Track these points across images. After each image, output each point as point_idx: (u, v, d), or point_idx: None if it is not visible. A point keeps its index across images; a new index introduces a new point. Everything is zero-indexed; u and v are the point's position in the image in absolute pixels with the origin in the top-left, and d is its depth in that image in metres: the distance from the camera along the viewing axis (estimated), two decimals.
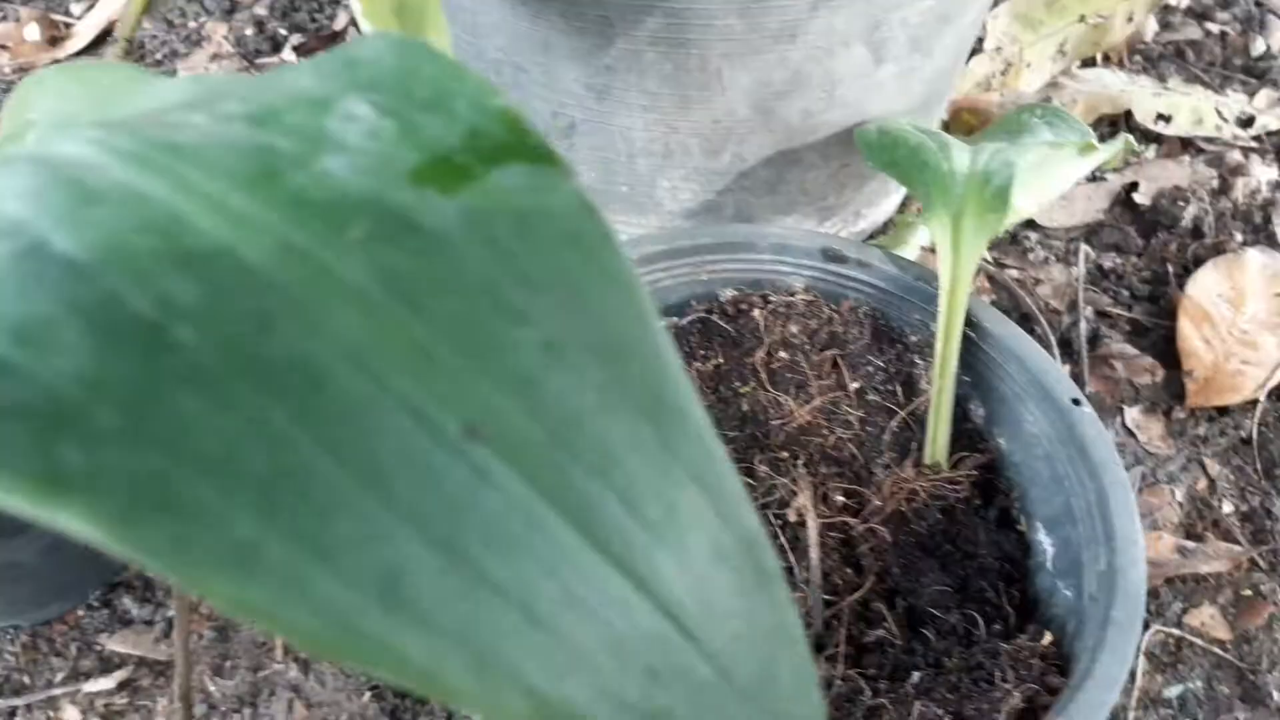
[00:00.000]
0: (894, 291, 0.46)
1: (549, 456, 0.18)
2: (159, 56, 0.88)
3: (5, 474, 0.13)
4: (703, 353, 0.47)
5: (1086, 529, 0.39)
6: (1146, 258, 0.72)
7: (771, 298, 0.47)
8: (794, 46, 0.51)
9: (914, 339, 0.46)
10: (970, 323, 0.44)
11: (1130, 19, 0.80)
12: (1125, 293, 0.70)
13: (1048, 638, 0.37)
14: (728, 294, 0.48)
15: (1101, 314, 0.69)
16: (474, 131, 0.20)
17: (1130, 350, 0.67)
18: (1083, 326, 0.67)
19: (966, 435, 0.45)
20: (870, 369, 0.46)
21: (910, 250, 0.56)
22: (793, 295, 0.47)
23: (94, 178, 0.18)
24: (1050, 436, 0.42)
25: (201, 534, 0.14)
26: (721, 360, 0.47)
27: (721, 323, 0.47)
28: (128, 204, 0.18)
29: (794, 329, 0.47)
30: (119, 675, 0.53)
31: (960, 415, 0.45)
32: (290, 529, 0.15)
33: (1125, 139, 0.43)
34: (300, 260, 0.18)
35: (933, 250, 0.57)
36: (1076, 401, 0.41)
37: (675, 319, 0.48)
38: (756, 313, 0.47)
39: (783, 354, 0.46)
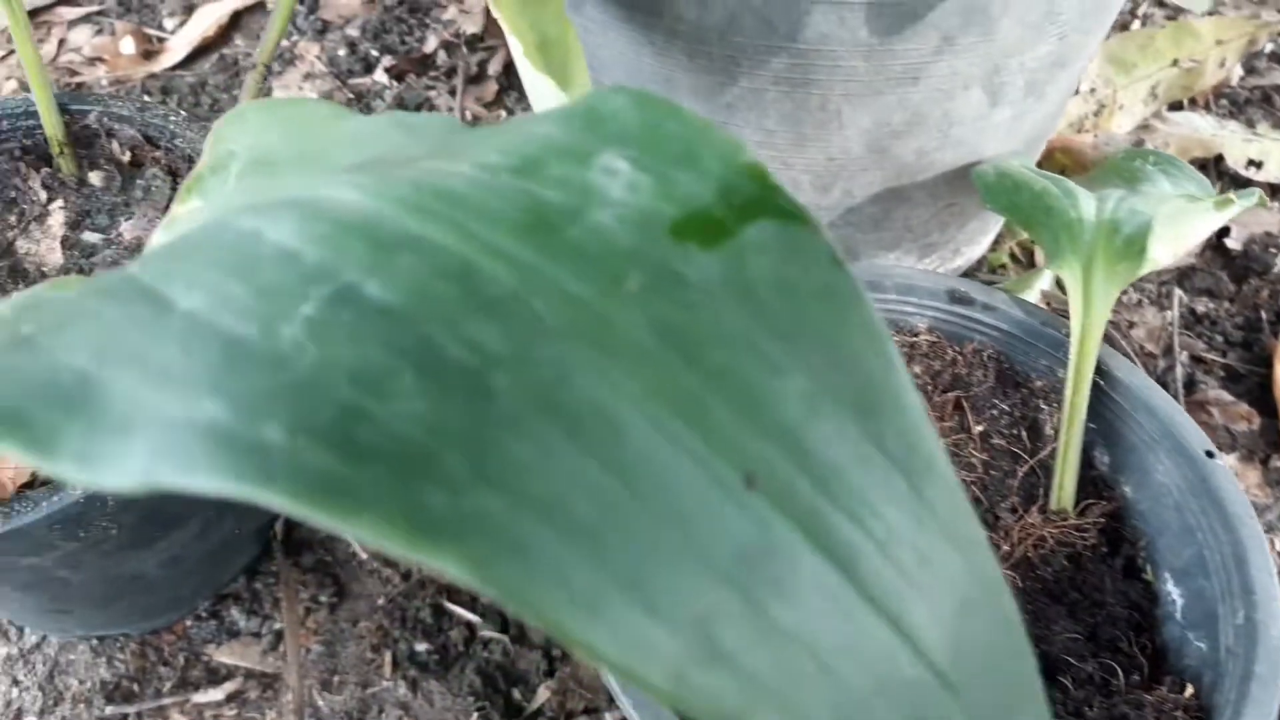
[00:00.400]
0: (1020, 335, 0.47)
1: (815, 506, 0.19)
2: None
3: (379, 518, 0.14)
4: None
5: (1221, 582, 0.39)
6: (1239, 304, 0.72)
7: (895, 338, 0.48)
8: (915, 88, 0.52)
9: (1039, 384, 0.47)
10: (1099, 370, 0.44)
11: (1223, 64, 0.80)
12: (1219, 338, 0.70)
13: (1189, 690, 0.37)
14: None
15: (1196, 359, 0.69)
16: (726, 187, 0.21)
17: (1226, 396, 0.66)
18: (1178, 371, 0.67)
19: (1091, 482, 0.45)
20: (994, 412, 0.46)
21: (1032, 294, 0.56)
22: (916, 335, 0.48)
23: (386, 226, 0.19)
24: (1181, 487, 0.42)
25: (551, 580, 0.15)
26: None
27: None
28: (424, 252, 0.19)
29: (917, 369, 0.47)
30: (227, 687, 0.54)
31: (1085, 462, 0.45)
32: (621, 577, 0.15)
33: (1259, 194, 0.43)
34: (584, 311, 0.19)
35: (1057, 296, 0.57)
36: (1210, 454, 0.41)
37: None
38: None
39: None
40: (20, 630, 0.56)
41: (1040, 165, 0.74)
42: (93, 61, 0.92)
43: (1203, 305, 0.72)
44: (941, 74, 0.51)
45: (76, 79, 0.90)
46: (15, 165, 0.53)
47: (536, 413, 0.17)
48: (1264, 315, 0.71)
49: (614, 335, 0.19)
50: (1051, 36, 0.52)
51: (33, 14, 0.98)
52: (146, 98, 0.86)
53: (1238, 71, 0.89)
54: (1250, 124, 0.83)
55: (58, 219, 0.51)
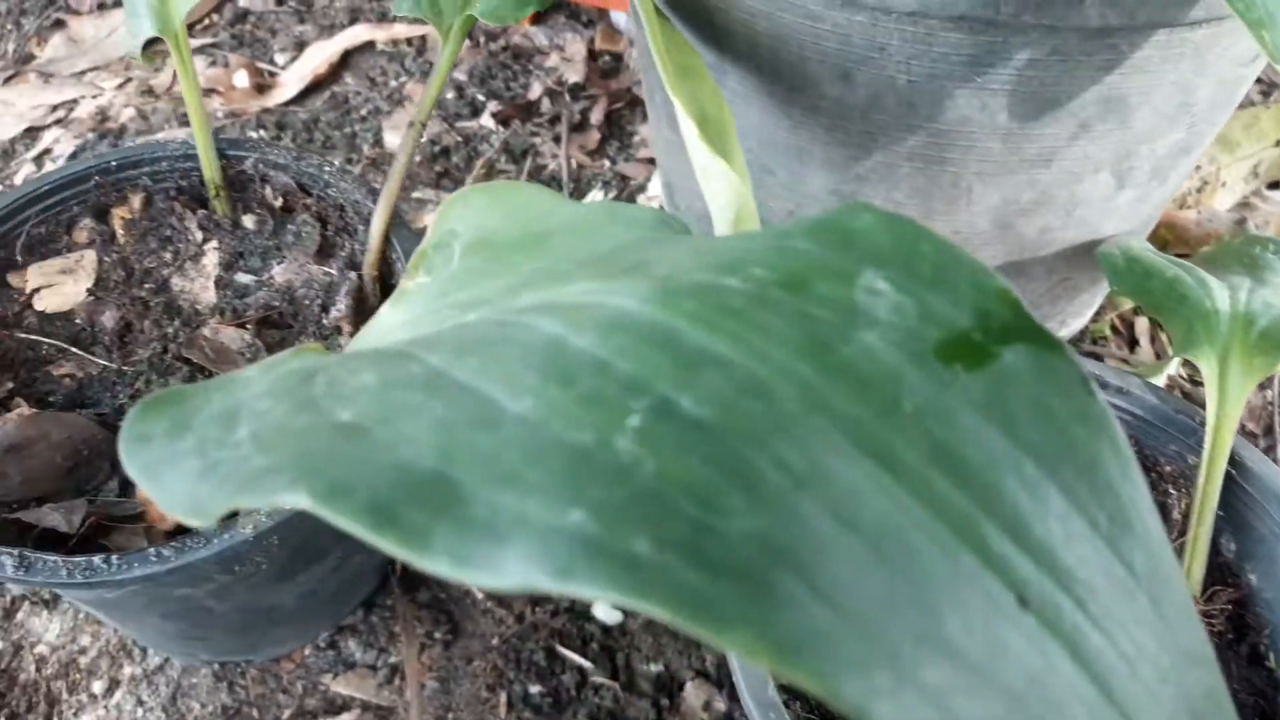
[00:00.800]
0: (1151, 421, 0.48)
1: (1076, 624, 0.20)
2: (363, 113, 0.92)
3: (748, 637, 0.15)
4: None
5: None
6: None
7: None
8: (1047, 170, 0.53)
9: (1168, 469, 0.47)
10: (1231, 459, 0.45)
11: None
12: None
13: None
14: None
15: None
16: (981, 311, 0.22)
17: None
18: None
19: (1218, 568, 0.46)
20: None
21: (1161, 379, 0.57)
22: None
23: (683, 340, 0.21)
24: None
25: (882, 698, 0.16)
26: None
27: None
28: (722, 368, 0.20)
29: None
30: (345, 718, 0.56)
31: (1212, 548, 0.46)
32: (928, 696, 0.17)
33: None
34: (865, 431, 0.20)
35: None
36: None
37: None
38: None
39: None
40: (144, 651, 0.58)
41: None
42: (208, 93, 0.95)
43: None
44: (1074, 158, 0.52)
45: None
46: (171, 204, 0.55)
47: (845, 533, 0.18)
48: None
49: (895, 456, 0.20)
50: (1182, 126, 0.53)
51: (147, 45, 1.02)
52: (262, 132, 0.89)
53: None
54: None
55: (212, 259, 0.54)
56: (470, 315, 0.27)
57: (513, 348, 0.22)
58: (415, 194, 0.83)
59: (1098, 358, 0.73)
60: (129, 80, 0.97)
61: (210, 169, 0.54)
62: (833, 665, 0.16)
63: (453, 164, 0.87)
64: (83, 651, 0.58)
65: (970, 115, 0.50)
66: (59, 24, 1.05)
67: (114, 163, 0.54)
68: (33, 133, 0.91)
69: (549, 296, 0.24)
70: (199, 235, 0.54)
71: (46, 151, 0.88)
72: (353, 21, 1.03)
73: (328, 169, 0.55)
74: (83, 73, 0.98)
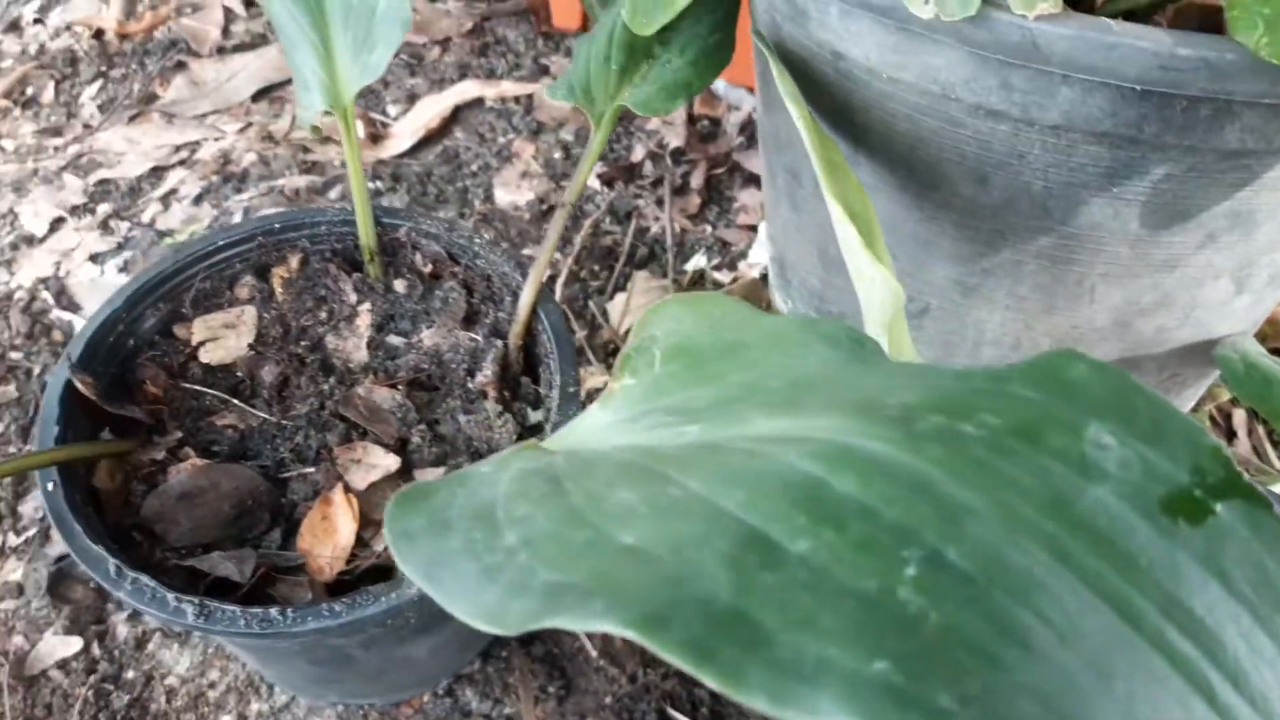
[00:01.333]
0: None
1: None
2: (474, 168, 0.96)
3: None
4: None
5: None
6: None
7: None
8: (1170, 275, 0.55)
9: None
10: None
11: None
12: None
13: None
14: None
15: None
16: (1198, 467, 0.24)
17: None
18: None
19: None
20: None
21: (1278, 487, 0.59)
22: None
23: (939, 490, 0.23)
24: None
25: None
26: None
27: None
28: (979, 520, 0.22)
29: None
30: None
31: None
32: None
33: None
34: (1107, 585, 0.22)
35: None
36: None
37: None
38: None
39: None
40: (271, 688, 0.61)
41: None
42: (325, 140, 0.99)
43: None
44: (1198, 265, 0.54)
45: (310, 156, 0.97)
46: (327, 266, 0.59)
47: (1104, 686, 0.20)
48: None
49: (1135, 609, 0.22)
50: None
51: (267, 90, 1.07)
52: (378, 183, 0.93)
53: None
54: None
55: (365, 320, 0.57)
56: (690, 427, 0.30)
57: (773, 482, 0.24)
58: (525, 250, 0.86)
59: None
60: (249, 125, 1.01)
61: (367, 235, 0.57)
62: None
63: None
64: (212, 686, 0.61)
65: (1102, 221, 0.52)
66: (181, 66, 1.09)
67: (277, 225, 0.58)
68: (158, 172, 0.95)
69: (787, 426, 0.26)
70: (353, 297, 0.57)
71: (172, 192, 0.93)
72: (462, 76, 1.07)
73: (477, 240, 0.58)
74: (204, 115, 1.03)
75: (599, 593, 0.21)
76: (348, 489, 0.50)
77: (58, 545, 0.66)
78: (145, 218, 0.90)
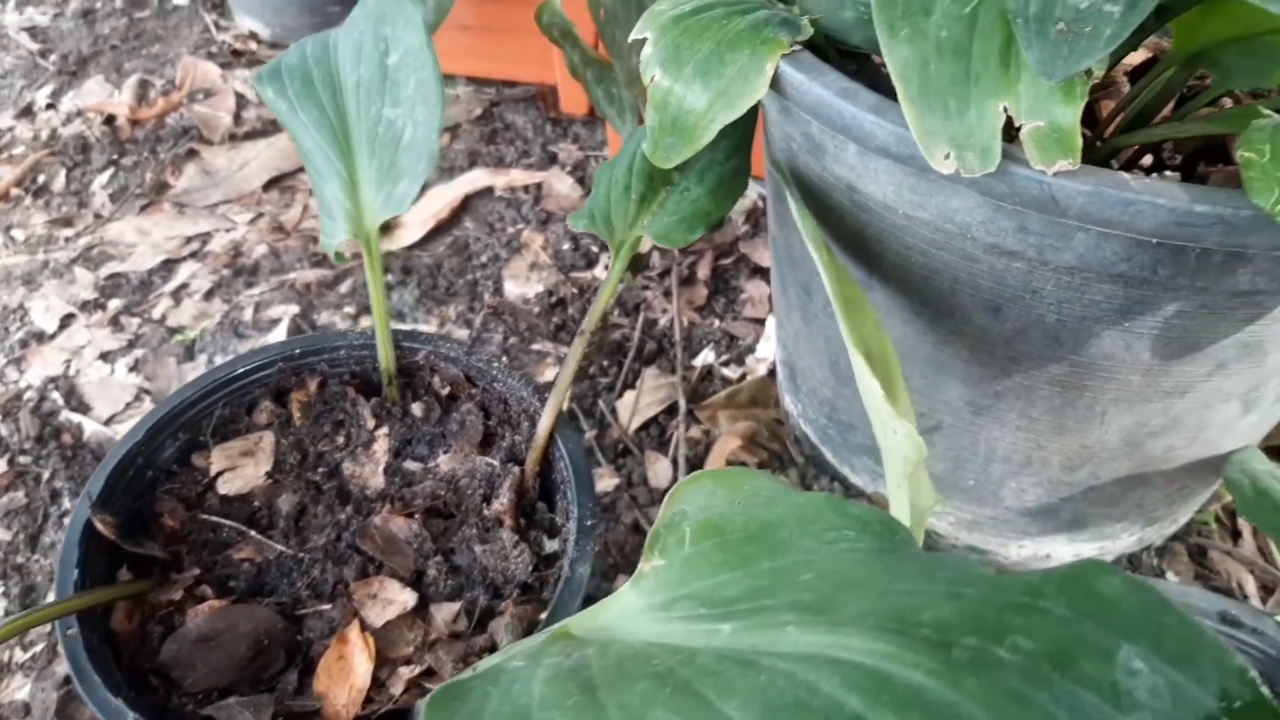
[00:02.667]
0: None
1: None
2: (483, 259, 0.97)
3: None
4: None
5: None
6: None
7: None
8: (1180, 400, 0.55)
9: None
10: None
11: None
12: None
13: None
14: None
15: None
16: (1225, 692, 0.25)
17: None
18: None
19: None
20: None
21: None
22: None
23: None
24: None
25: None
26: None
27: None
28: None
29: None
30: None
31: None
32: None
33: None
34: None
35: None
36: None
37: None
38: None
39: None
40: None
41: None
42: None
43: None
44: (1207, 390, 0.54)
45: (320, 249, 0.98)
46: (345, 389, 0.59)
47: None
48: None
49: None
50: None
51: (278, 179, 1.08)
52: (390, 276, 0.94)
53: None
54: None
55: (382, 445, 0.57)
56: (723, 626, 0.30)
57: (814, 717, 0.24)
58: (535, 346, 0.87)
59: (1203, 549, 0.74)
60: (260, 215, 1.02)
61: (387, 360, 0.57)
62: None
63: (569, 315, 0.90)
64: None
65: (1113, 352, 0.52)
66: (192, 153, 1.11)
67: (298, 350, 0.58)
68: (170, 265, 0.96)
69: (822, 644, 0.26)
70: (371, 421, 0.57)
71: (184, 286, 0.93)
72: (471, 164, 1.08)
73: (495, 365, 0.58)
74: (215, 205, 1.04)
75: None
76: (364, 626, 0.50)
77: (65, 663, 0.66)
78: (156, 314, 0.91)
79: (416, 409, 0.58)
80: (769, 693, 0.25)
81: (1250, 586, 0.71)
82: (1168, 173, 0.58)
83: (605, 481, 0.75)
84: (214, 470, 0.55)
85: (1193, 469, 0.62)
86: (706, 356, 0.87)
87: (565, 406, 0.80)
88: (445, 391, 0.59)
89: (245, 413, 0.58)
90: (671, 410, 0.81)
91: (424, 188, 1.06)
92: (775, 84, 0.51)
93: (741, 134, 0.61)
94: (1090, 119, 0.60)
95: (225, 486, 0.55)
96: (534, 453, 0.55)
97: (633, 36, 0.54)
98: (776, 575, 0.31)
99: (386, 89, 0.57)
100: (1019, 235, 0.48)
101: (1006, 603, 0.27)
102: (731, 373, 0.86)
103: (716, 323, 0.91)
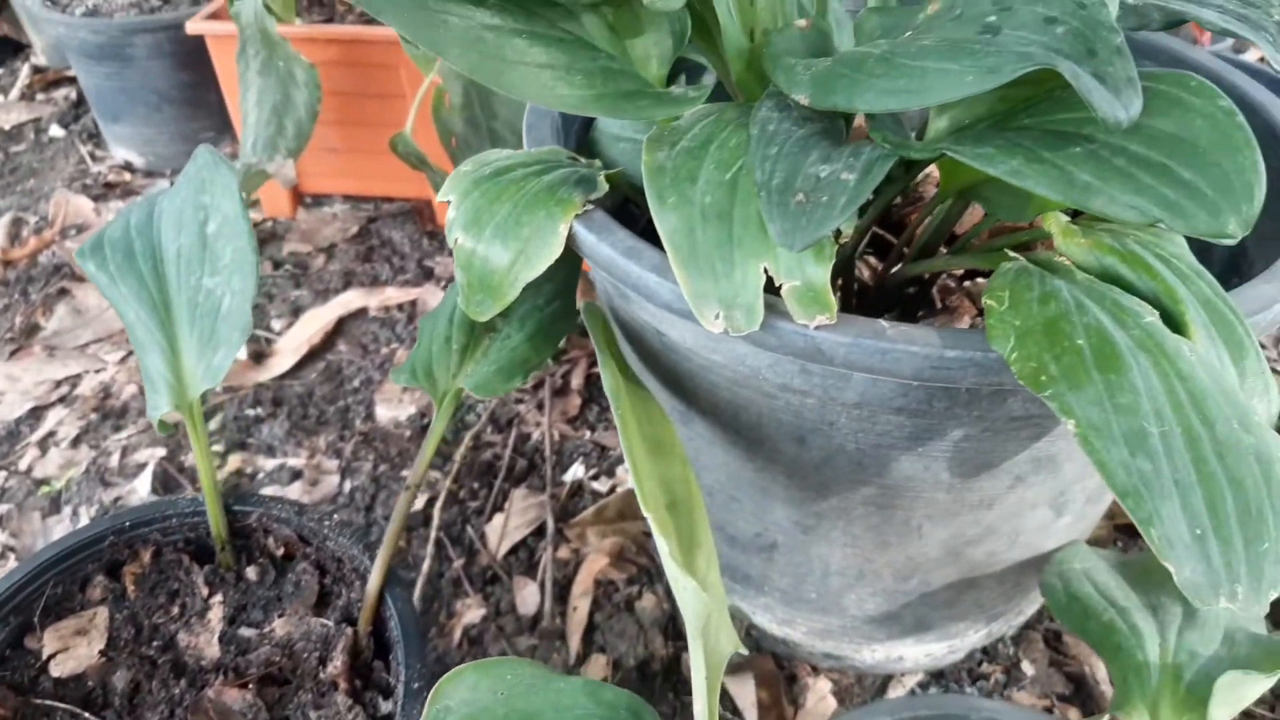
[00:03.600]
0: None
1: None
2: (355, 384, 0.98)
3: None
4: None
5: None
6: None
7: None
8: (989, 512, 0.58)
9: None
10: None
11: None
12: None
13: None
14: None
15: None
16: None
17: None
18: None
19: None
20: None
21: None
22: None
23: None
24: None
25: None
26: None
27: None
28: None
29: None
30: None
31: None
32: None
33: None
34: None
35: None
36: None
37: None
38: None
39: None
40: None
41: None
42: None
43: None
44: (1013, 501, 0.57)
45: None
46: (179, 557, 0.59)
47: None
48: None
49: None
50: None
51: None
52: (259, 409, 0.94)
53: None
54: None
55: (217, 614, 0.57)
56: None
57: None
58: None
59: (1057, 634, 0.76)
60: (130, 353, 1.02)
61: (218, 526, 0.58)
62: None
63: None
64: None
65: (914, 474, 0.55)
66: (64, 292, 1.11)
67: (128, 522, 0.58)
68: (37, 413, 0.96)
69: None
70: (204, 590, 0.58)
71: (51, 434, 0.93)
72: (346, 284, 1.10)
73: (327, 523, 0.59)
74: (86, 345, 1.04)
75: None
76: None
77: None
78: (23, 465, 0.90)
79: (251, 573, 0.58)
80: None
81: (1100, 672, 0.73)
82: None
83: (473, 612, 0.76)
84: (46, 652, 0.55)
85: (1020, 569, 0.64)
86: (576, 471, 0.88)
87: (434, 535, 0.81)
88: (280, 552, 0.60)
89: (79, 590, 0.58)
90: (541, 531, 0.82)
91: (297, 311, 1.07)
92: (571, 242, 0.53)
93: (564, 277, 0.63)
94: (887, 246, 0.64)
95: (58, 669, 0.55)
96: (365, 612, 0.56)
97: (438, 199, 0.56)
98: None
99: (206, 258, 0.58)
100: (804, 377, 0.50)
101: None
102: (601, 486, 0.87)
103: (588, 434, 0.92)
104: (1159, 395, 0.40)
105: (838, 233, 0.54)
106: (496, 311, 0.55)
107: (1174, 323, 0.44)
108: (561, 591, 0.77)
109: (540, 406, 0.95)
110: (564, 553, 0.80)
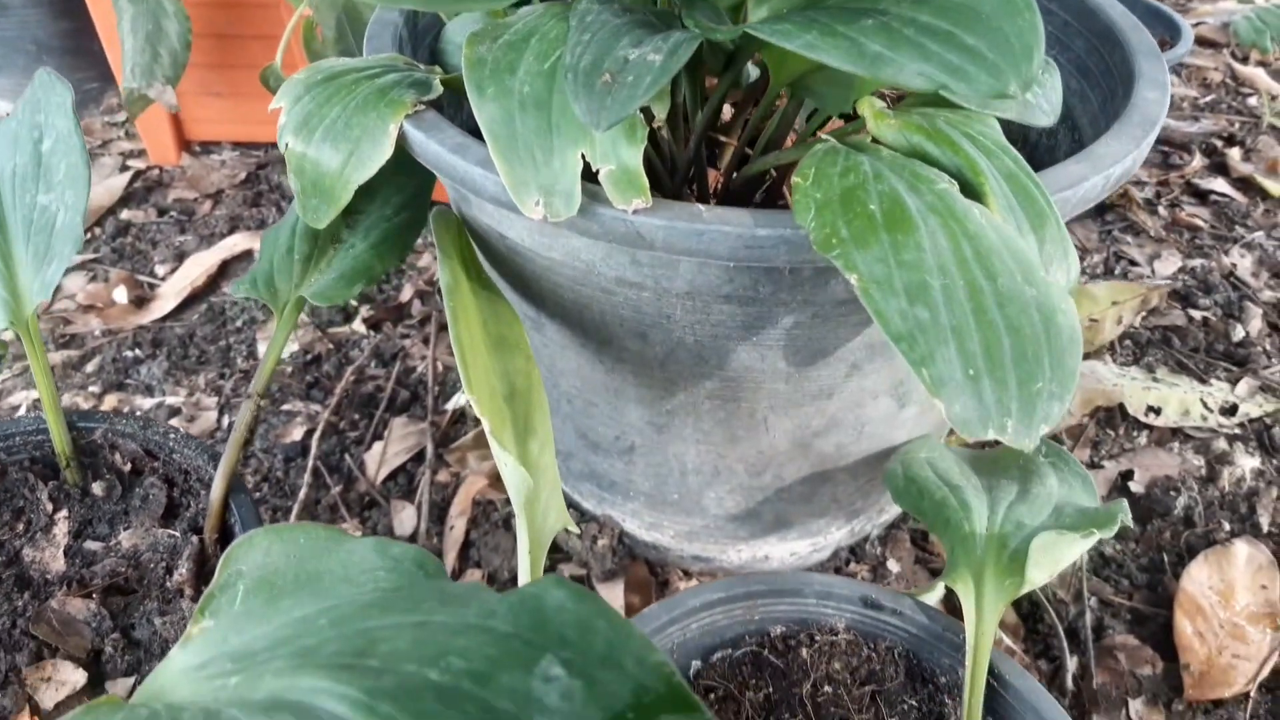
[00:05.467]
0: (925, 637, 0.53)
1: None
2: (239, 324, 0.97)
3: None
4: (754, 682, 0.54)
5: None
6: (1144, 544, 0.79)
7: (817, 636, 0.54)
8: (830, 401, 0.59)
9: (943, 680, 0.53)
10: (993, 672, 0.50)
11: (1119, 320, 0.89)
12: (1125, 581, 0.77)
13: None
14: (777, 630, 0.55)
15: (1105, 602, 0.75)
16: (640, 688, 0.27)
17: (1133, 641, 0.73)
18: (1088, 617, 0.73)
19: None
20: (905, 706, 0.52)
21: (934, 597, 0.63)
22: (835, 635, 0.54)
23: None
24: None
25: None
26: (771, 690, 0.53)
27: (771, 657, 0.54)
28: None
29: (837, 665, 0.53)
30: None
31: None
32: None
33: (1121, 518, 0.50)
34: None
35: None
36: None
37: (730, 650, 0.55)
38: (803, 650, 0.53)
39: (827, 688, 0.53)
40: None
41: None
42: (86, 309, 0.99)
43: (1110, 548, 0.79)
44: (852, 390, 0.59)
45: (70, 329, 0.96)
46: (25, 475, 0.59)
47: None
48: (1165, 557, 0.78)
49: None
50: None
51: None
52: (138, 350, 0.93)
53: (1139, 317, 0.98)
54: (1151, 369, 0.92)
55: (62, 528, 0.57)
56: (232, 679, 0.31)
57: None
58: (285, 406, 0.87)
59: (924, 533, 0.79)
60: None
61: (61, 443, 0.57)
62: None
63: (324, 372, 0.91)
64: None
65: (753, 365, 0.56)
66: None
67: None
68: None
69: (282, 686, 0.28)
70: (49, 506, 0.57)
71: None
72: (232, 230, 1.08)
73: (173, 435, 0.59)
74: None
75: None
76: (35, 710, 0.50)
77: None
78: None
79: (97, 488, 0.58)
80: None
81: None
82: None
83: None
84: None
85: (872, 462, 0.66)
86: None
87: (311, 464, 0.80)
88: (128, 467, 0.59)
89: None
90: (420, 456, 0.82)
91: (181, 256, 1.05)
92: (403, 142, 0.53)
93: (415, 186, 0.63)
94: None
95: None
96: (210, 520, 0.55)
97: (271, 107, 0.56)
98: (300, 624, 0.33)
99: (41, 175, 0.57)
100: (635, 268, 0.51)
101: (462, 625, 0.29)
102: None
103: None
104: (944, 252, 0.41)
105: (651, 117, 0.55)
106: (332, 216, 0.55)
107: (974, 193, 0.46)
108: (440, 513, 0.78)
109: (426, 341, 0.95)
110: (443, 476, 0.81)
